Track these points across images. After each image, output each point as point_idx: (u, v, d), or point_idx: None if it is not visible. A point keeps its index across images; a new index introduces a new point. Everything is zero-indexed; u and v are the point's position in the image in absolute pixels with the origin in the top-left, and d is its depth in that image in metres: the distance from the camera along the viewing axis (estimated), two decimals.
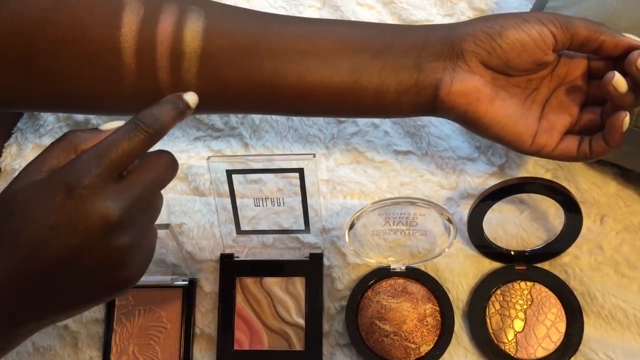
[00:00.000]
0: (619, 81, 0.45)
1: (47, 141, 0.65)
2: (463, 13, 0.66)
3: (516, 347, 0.55)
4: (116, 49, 0.47)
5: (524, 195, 0.59)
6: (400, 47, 0.48)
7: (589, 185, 0.59)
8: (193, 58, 0.48)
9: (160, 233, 0.54)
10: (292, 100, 0.49)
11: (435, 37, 0.48)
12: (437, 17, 0.66)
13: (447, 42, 0.48)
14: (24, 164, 0.63)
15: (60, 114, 0.65)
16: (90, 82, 0.49)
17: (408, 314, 0.56)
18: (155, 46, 0.48)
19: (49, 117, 0.65)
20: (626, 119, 0.46)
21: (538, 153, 0.49)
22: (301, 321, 0.57)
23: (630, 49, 0.46)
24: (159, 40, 0.48)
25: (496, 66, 0.48)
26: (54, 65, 0.48)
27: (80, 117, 0.65)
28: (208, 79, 0.49)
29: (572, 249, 0.57)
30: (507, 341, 0.55)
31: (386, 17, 0.66)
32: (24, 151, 0.65)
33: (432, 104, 0.49)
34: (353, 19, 0.65)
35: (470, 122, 0.49)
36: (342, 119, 0.63)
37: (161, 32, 0.47)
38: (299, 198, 0.56)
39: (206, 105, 0.51)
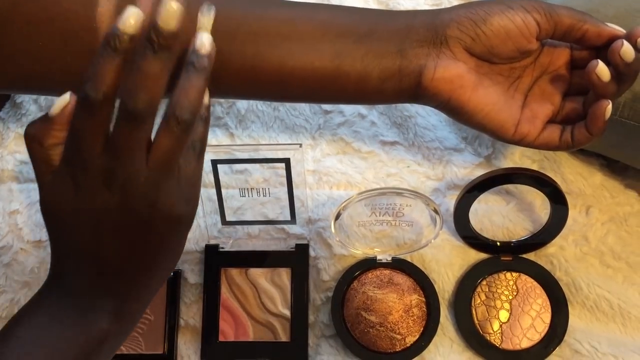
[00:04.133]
0: (602, 70, 0.45)
1: None
2: (450, 2, 0.65)
3: (501, 337, 0.55)
4: (92, 29, 0.46)
5: (510, 186, 0.59)
6: (383, 32, 0.48)
7: (575, 176, 0.59)
8: None
9: None
10: (273, 85, 0.49)
11: (419, 23, 0.48)
12: (424, 6, 0.66)
13: (431, 28, 0.48)
14: (5, 154, 0.63)
15: (43, 103, 0.64)
16: (67, 62, 0.48)
17: (394, 305, 0.56)
18: None
19: (31, 107, 0.64)
20: (609, 107, 0.46)
21: (520, 142, 0.49)
22: (287, 312, 0.57)
23: (613, 38, 0.45)
24: None
25: (480, 53, 0.47)
26: (28, 45, 0.47)
27: None
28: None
29: (557, 240, 0.57)
30: (492, 332, 0.55)
31: (373, 6, 0.66)
32: (5, 140, 0.64)
33: (415, 90, 0.48)
34: None
35: (454, 110, 0.49)
36: (329, 108, 0.63)
37: None
38: (285, 188, 0.56)
39: None
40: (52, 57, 0.47)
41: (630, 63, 0.44)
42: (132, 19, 0.33)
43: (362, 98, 0.50)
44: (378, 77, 0.48)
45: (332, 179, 0.60)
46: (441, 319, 0.56)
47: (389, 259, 0.57)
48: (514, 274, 0.57)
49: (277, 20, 0.48)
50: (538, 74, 0.50)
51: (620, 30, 0.46)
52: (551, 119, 0.50)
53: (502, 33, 0.46)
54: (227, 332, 0.57)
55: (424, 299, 0.56)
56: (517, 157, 0.60)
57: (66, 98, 0.37)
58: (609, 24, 0.46)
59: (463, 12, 0.47)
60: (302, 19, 0.48)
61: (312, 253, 0.58)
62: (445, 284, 0.57)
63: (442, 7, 0.64)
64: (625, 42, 0.44)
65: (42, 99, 0.65)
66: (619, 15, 0.50)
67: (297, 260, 0.58)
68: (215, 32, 0.47)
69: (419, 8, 0.65)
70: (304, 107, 0.63)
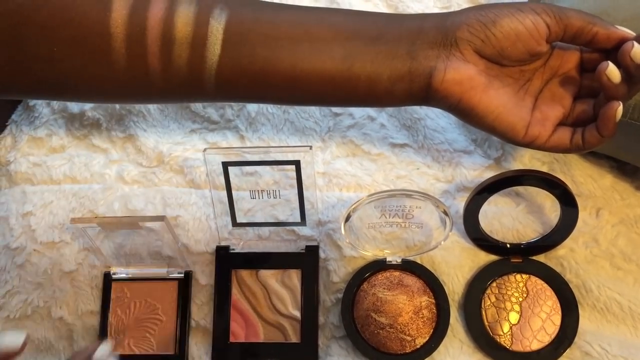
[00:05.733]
0: (612, 71, 0.45)
1: (42, 133, 0.65)
2: (460, 6, 0.66)
3: (511, 339, 0.55)
4: (106, 34, 0.47)
5: (520, 188, 0.59)
6: (393, 34, 0.48)
7: (585, 178, 0.59)
8: (184, 44, 0.48)
9: (156, 225, 0.54)
10: (285, 88, 0.49)
11: (429, 25, 0.48)
12: (433, 9, 0.66)
13: (441, 30, 0.48)
14: (19, 156, 0.63)
15: (55, 106, 0.65)
16: (80, 67, 0.48)
17: (404, 307, 0.56)
18: (146, 32, 0.47)
19: (44, 109, 0.65)
20: (619, 108, 0.46)
21: (531, 144, 0.49)
22: (297, 313, 0.57)
23: (623, 41, 0.45)
24: (150, 26, 0.47)
25: (490, 55, 0.48)
26: (43, 50, 0.48)
27: (75, 109, 0.65)
28: (198, 65, 0.48)
29: (567, 242, 0.57)
30: (502, 334, 0.55)
31: (382, 10, 0.66)
32: (18, 143, 0.64)
33: (426, 92, 0.49)
34: None
35: (464, 112, 0.49)
36: (338, 111, 0.63)
37: (152, 18, 0.47)
38: (295, 190, 0.56)
39: (196, 92, 0.51)
40: (66, 61, 0.48)
41: None
42: None
43: (373, 100, 0.50)
44: (388, 79, 0.48)
45: (341, 181, 0.61)
46: (451, 321, 0.56)
47: (399, 260, 0.57)
48: (524, 276, 0.57)
49: (288, 24, 0.48)
50: (548, 76, 0.50)
51: (630, 32, 0.46)
52: (562, 122, 0.50)
53: (512, 35, 0.46)
54: (238, 333, 0.57)
55: (433, 301, 0.56)
56: (526, 159, 0.60)
57: None
58: (618, 27, 0.46)
59: (473, 15, 0.47)
60: (313, 22, 0.49)
61: (322, 254, 0.59)
62: (455, 285, 0.57)
63: (452, 9, 0.65)
64: (636, 44, 0.44)
65: (55, 102, 0.65)
66: (627, 18, 0.50)
67: (307, 261, 0.58)
68: (226, 34, 0.48)
69: (427, 11, 0.65)
70: (314, 110, 0.64)
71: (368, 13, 0.51)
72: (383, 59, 0.48)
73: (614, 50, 0.46)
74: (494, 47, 0.47)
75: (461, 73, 0.47)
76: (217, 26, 0.48)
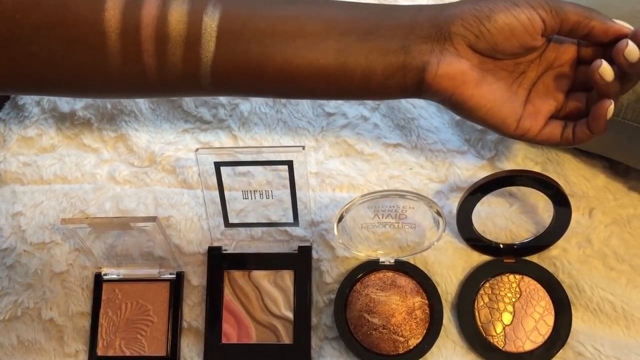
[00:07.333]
0: (605, 70, 0.45)
1: (32, 133, 0.64)
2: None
3: (504, 340, 0.55)
4: (100, 33, 0.47)
5: (513, 188, 0.59)
6: (387, 28, 0.48)
7: (578, 178, 0.59)
8: (178, 41, 0.48)
9: (147, 226, 0.54)
10: (279, 82, 0.49)
11: (423, 19, 0.48)
12: (423, 1, 0.66)
13: (435, 24, 0.48)
14: (8, 156, 0.63)
15: (46, 105, 0.65)
16: (76, 66, 0.48)
17: (397, 307, 0.56)
18: (140, 29, 0.47)
19: (33, 109, 0.65)
20: (610, 107, 0.46)
21: (522, 137, 0.49)
22: (289, 314, 0.57)
23: (620, 36, 0.45)
24: (144, 24, 0.47)
25: (484, 50, 0.48)
26: (38, 50, 0.47)
27: (65, 108, 0.64)
28: (193, 62, 0.48)
29: (560, 242, 0.57)
30: (495, 334, 0.55)
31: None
32: (8, 143, 0.64)
33: (419, 86, 0.49)
34: None
35: (456, 105, 0.49)
36: (332, 111, 0.63)
37: (145, 15, 0.47)
38: (288, 191, 0.56)
39: (192, 88, 0.51)
40: (61, 60, 0.48)
41: (635, 63, 0.44)
42: None
43: (367, 94, 0.50)
44: (382, 74, 0.48)
45: (334, 181, 0.60)
46: (444, 322, 0.56)
47: (392, 261, 0.57)
48: (517, 276, 0.57)
49: (283, 19, 0.48)
50: (543, 69, 0.50)
51: (627, 27, 0.46)
52: (554, 115, 0.50)
53: (506, 30, 0.46)
54: (230, 334, 0.57)
55: (427, 301, 0.56)
56: (520, 159, 0.60)
57: None
58: (616, 21, 0.46)
59: (468, 9, 0.47)
60: (307, 17, 0.49)
61: (314, 255, 0.58)
62: (448, 286, 0.57)
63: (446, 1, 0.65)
64: (630, 43, 0.44)
65: (45, 101, 0.65)
66: (619, 17, 0.50)
67: (299, 262, 0.58)
68: (220, 30, 0.48)
69: (417, 2, 0.65)
70: (307, 109, 0.63)
71: (361, 5, 0.51)
72: (377, 53, 0.48)
73: (612, 44, 0.46)
74: (488, 42, 0.47)
75: (454, 68, 0.47)
76: (210, 23, 0.48)
